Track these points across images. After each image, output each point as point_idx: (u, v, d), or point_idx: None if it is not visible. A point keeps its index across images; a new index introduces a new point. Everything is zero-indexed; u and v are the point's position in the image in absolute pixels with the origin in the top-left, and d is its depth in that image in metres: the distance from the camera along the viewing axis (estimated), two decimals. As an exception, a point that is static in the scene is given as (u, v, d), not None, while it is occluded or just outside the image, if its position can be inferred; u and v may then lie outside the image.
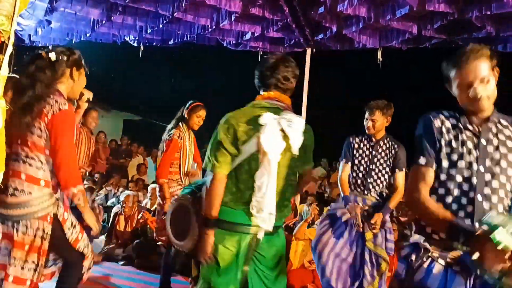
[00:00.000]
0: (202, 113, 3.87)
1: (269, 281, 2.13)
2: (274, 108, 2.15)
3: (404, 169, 3.67)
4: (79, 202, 2.28)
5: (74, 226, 2.38)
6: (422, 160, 1.78)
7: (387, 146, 3.72)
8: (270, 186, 2.02)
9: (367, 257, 3.51)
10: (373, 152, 3.71)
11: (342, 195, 3.73)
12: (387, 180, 3.69)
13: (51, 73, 2.29)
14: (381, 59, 6.01)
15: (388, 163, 3.68)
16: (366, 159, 3.71)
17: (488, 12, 4.59)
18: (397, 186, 3.63)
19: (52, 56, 2.30)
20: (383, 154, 3.70)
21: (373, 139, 3.75)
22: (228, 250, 2.07)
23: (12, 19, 1.64)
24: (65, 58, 2.34)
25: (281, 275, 2.21)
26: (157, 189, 3.86)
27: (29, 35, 6.91)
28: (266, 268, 2.14)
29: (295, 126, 2.08)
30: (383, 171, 3.67)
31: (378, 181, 3.67)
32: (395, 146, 3.71)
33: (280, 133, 2.06)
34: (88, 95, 2.70)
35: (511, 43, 5.55)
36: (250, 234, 2.07)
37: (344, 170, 3.79)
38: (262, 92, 2.25)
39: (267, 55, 2.33)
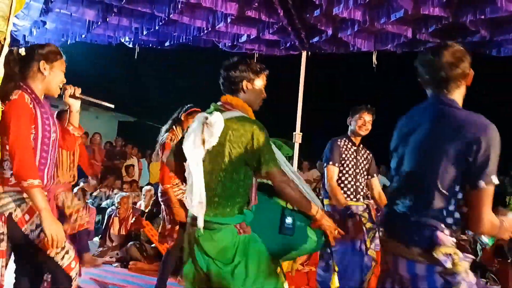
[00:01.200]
0: None
1: (225, 274, 2.19)
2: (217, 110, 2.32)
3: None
4: (34, 200, 2.11)
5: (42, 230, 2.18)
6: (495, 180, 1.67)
7: (365, 151, 3.80)
8: (195, 179, 2.17)
9: (368, 263, 3.52)
10: (357, 157, 3.73)
11: (333, 204, 3.55)
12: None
13: (19, 68, 2.23)
14: (376, 63, 6.04)
15: (366, 167, 3.74)
16: (352, 163, 3.70)
17: (483, 16, 4.63)
18: (379, 190, 3.71)
19: (22, 51, 2.25)
20: (363, 158, 3.75)
21: (356, 144, 3.77)
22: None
23: (8, 20, 1.62)
24: (34, 52, 2.27)
25: (249, 273, 2.20)
26: (160, 195, 3.84)
27: (24, 36, 6.87)
28: (219, 262, 2.20)
29: (211, 125, 2.19)
30: (365, 176, 3.73)
31: (363, 186, 3.70)
32: (368, 151, 3.80)
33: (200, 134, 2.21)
34: (71, 90, 2.47)
35: (505, 47, 5.59)
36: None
37: (334, 174, 3.59)
38: None
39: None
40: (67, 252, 2.28)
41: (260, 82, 2.45)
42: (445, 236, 1.69)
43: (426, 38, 5.47)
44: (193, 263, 2.27)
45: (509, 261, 4.96)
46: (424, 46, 5.82)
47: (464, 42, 5.56)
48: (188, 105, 3.89)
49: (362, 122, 3.72)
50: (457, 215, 1.74)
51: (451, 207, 1.73)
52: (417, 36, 5.38)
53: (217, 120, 2.17)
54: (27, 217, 2.18)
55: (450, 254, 1.65)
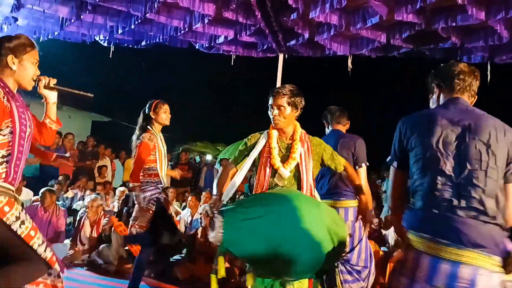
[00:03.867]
0: (166, 107, 3.84)
1: None
2: None
3: None
4: None
5: (23, 222, 2.15)
6: None
7: None
8: None
9: None
10: None
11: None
12: None
13: None
14: (351, 66, 6.14)
15: None
16: None
17: (454, 24, 4.77)
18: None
19: None
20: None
21: None
22: None
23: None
24: (1, 46, 2.19)
25: None
26: (133, 194, 3.78)
27: (-6, 32, 6.69)
28: None
29: None
30: None
31: None
32: None
33: None
34: (45, 80, 2.36)
35: (475, 54, 5.78)
36: None
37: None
38: None
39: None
40: (46, 246, 2.23)
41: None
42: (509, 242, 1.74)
43: (399, 43, 5.60)
44: None
45: None
46: (397, 51, 5.96)
47: (436, 49, 5.72)
48: (149, 102, 3.85)
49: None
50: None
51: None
52: (391, 41, 5.50)
53: None
54: (6, 208, 2.11)
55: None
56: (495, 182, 1.76)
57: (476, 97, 2.02)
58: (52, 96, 2.42)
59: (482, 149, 1.77)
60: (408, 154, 1.92)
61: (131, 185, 3.68)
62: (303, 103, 2.72)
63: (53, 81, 2.39)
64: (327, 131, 3.90)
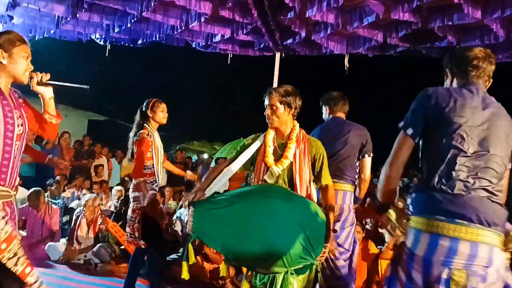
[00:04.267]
0: (164, 106, 3.86)
1: None
2: None
3: None
4: None
5: None
6: None
7: None
8: None
9: None
10: None
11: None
12: None
13: None
14: (348, 65, 6.14)
15: None
16: None
17: (450, 23, 4.78)
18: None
19: None
20: None
21: None
22: None
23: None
24: None
25: None
26: (131, 190, 3.77)
27: (-11, 30, 6.64)
28: None
29: None
30: None
31: None
32: None
33: None
34: (38, 77, 2.33)
35: (471, 53, 5.78)
36: None
37: None
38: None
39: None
40: (18, 258, 2.11)
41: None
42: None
43: (396, 42, 5.61)
44: None
45: None
46: (394, 50, 5.97)
47: (432, 48, 5.73)
48: (146, 101, 3.85)
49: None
50: None
51: None
52: (387, 40, 5.50)
53: None
54: None
55: None
56: (504, 167, 1.87)
57: (491, 80, 2.06)
58: (47, 92, 2.40)
59: (503, 136, 1.85)
60: (427, 126, 1.87)
61: (135, 181, 3.68)
62: (299, 102, 2.72)
63: (46, 77, 2.36)
64: (326, 116, 3.89)
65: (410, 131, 1.88)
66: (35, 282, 2.16)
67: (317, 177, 2.77)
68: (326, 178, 2.76)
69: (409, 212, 1.89)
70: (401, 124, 1.94)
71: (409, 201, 1.90)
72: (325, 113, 3.90)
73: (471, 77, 1.96)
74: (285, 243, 2.32)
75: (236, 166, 2.77)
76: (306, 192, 2.68)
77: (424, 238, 1.78)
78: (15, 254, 2.11)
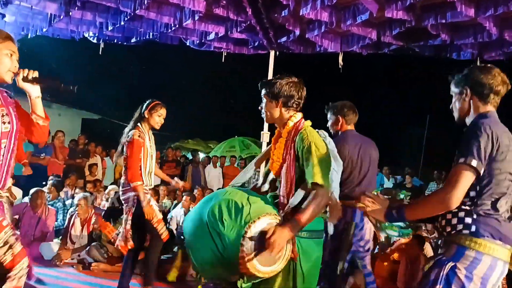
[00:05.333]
0: (163, 111, 3.77)
1: None
2: None
3: None
4: None
5: None
6: None
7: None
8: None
9: None
10: None
11: None
12: None
13: None
14: (342, 63, 6.16)
15: None
16: None
17: (443, 21, 4.80)
18: None
19: None
20: None
21: None
22: (317, 257, 2.29)
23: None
24: None
25: None
26: (121, 193, 3.74)
27: (-20, 29, 6.59)
28: None
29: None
30: None
31: None
32: None
33: None
34: (24, 73, 2.19)
35: (464, 51, 5.82)
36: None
37: None
38: (292, 112, 2.40)
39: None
40: (10, 247, 2.10)
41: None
42: None
43: (390, 40, 5.63)
44: None
45: None
46: (388, 48, 5.99)
47: (426, 46, 5.75)
48: (148, 101, 3.80)
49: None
50: None
51: None
52: (381, 38, 5.51)
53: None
54: None
55: None
56: None
57: None
58: (34, 90, 2.23)
59: None
60: (491, 160, 1.90)
61: (132, 184, 3.61)
62: (293, 92, 2.35)
63: (33, 74, 2.22)
64: (335, 126, 3.71)
65: (477, 164, 1.88)
66: (19, 272, 2.14)
67: (304, 174, 2.22)
68: (311, 176, 2.17)
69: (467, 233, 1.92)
70: (469, 159, 1.88)
71: (469, 220, 1.93)
72: (337, 124, 3.68)
73: (492, 105, 2.04)
74: (195, 248, 2.27)
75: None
76: (290, 189, 2.31)
77: (487, 259, 1.89)
78: (5, 243, 2.09)
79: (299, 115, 2.39)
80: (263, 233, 2.06)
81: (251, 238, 2.06)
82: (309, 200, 2.13)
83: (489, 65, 2.07)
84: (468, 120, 2.05)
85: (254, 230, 2.07)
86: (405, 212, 1.98)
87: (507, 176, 1.92)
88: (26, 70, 2.21)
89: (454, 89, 2.11)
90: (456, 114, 2.11)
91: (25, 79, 2.20)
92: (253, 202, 2.21)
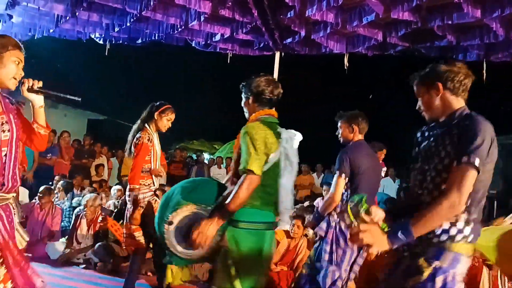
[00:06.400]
0: (172, 116, 3.79)
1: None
2: (277, 124, 2.45)
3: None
4: None
5: None
6: None
7: None
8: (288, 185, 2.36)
9: None
10: None
11: None
12: None
13: None
14: (347, 64, 6.15)
15: None
16: None
17: (450, 22, 4.78)
18: None
19: None
20: None
21: None
22: (254, 248, 2.30)
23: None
24: None
25: None
26: (127, 194, 3.76)
27: (-12, 30, 6.64)
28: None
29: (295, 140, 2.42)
30: None
31: None
32: None
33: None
34: (29, 83, 2.19)
35: (470, 52, 5.79)
36: (272, 231, 2.40)
37: None
38: (262, 108, 2.46)
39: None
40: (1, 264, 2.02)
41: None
42: None
43: (395, 41, 5.61)
44: None
45: None
46: (393, 49, 5.97)
47: (432, 47, 5.73)
48: (159, 102, 3.81)
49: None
50: None
51: None
52: (387, 39, 5.50)
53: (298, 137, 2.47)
54: None
55: None
56: None
57: None
58: (38, 100, 2.24)
59: None
60: (487, 160, 1.80)
61: (131, 186, 3.64)
62: (261, 87, 2.44)
63: (38, 84, 2.22)
64: (348, 136, 3.65)
65: (480, 165, 1.76)
66: None
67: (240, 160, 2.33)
68: (242, 161, 2.28)
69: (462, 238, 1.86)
70: (476, 160, 1.77)
71: (468, 231, 1.84)
72: (351, 132, 3.63)
73: (464, 99, 1.99)
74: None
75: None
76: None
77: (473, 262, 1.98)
78: None
79: (266, 111, 2.48)
80: (190, 224, 2.27)
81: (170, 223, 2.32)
82: (238, 185, 2.23)
83: (450, 59, 2.05)
84: (443, 117, 1.95)
85: (177, 218, 2.32)
86: (412, 230, 1.75)
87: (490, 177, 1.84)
88: (31, 80, 2.21)
89: (421, 88, 2.03)
90: (428, 113, 2.01)
91: (30, 90, 2.20)
92: (188, 191, 2.42)
